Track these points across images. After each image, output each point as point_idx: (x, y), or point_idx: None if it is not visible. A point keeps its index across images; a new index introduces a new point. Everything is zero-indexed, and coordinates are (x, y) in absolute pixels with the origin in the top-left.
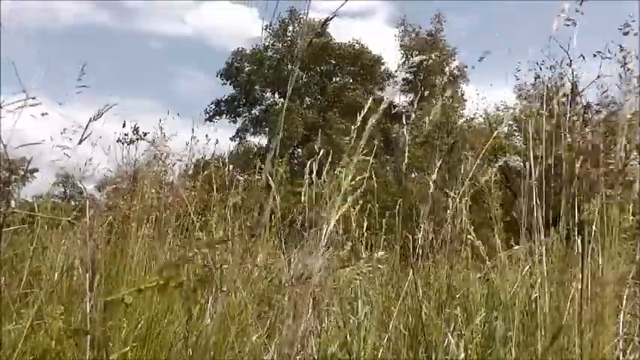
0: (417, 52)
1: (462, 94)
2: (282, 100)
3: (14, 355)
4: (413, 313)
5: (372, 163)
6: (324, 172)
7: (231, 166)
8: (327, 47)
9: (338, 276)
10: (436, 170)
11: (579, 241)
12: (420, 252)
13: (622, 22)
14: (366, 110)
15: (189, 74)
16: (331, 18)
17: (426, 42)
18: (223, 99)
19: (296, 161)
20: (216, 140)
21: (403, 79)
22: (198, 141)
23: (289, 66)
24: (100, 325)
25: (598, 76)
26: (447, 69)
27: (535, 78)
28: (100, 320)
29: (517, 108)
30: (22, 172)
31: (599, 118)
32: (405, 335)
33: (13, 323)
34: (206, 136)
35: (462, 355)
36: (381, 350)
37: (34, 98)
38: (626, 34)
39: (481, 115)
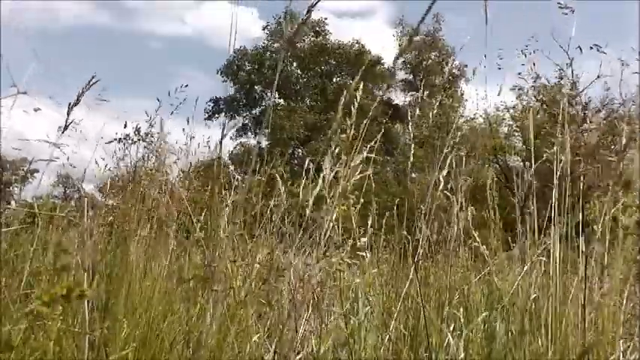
0: (416, 52)
1: (462, 94)
2: (281, 100)
3: (14, 355)
4: (413, 314)
5: (372, 161)
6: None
7: (232, 167)
8: (326, 47)
9: (331, 272)
10: (437, 170)
11: (582, 241)
12: (420, 252)
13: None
14: (357, 103)
15: (189, 74)
16: (315, 4)
17: (425, 42)
18: (222, 98)
19: (296, 161)
20: (219, 141)
21: (403, 80)
22: (194, 139)
23: (279, 60)
24: (100, 325)
25: (598, 76)
26: (446, 69)
27: (535, 79)
28: (100, 321)
29: (517, 107)
30: (23, 173)
31: (599, 118)
32: (406, 335)
33: (12, 325)
34: (204, 136)
35: (462, 355)
36: (382, 349)
37: (25, 93)
38: None
39: (481, 115)
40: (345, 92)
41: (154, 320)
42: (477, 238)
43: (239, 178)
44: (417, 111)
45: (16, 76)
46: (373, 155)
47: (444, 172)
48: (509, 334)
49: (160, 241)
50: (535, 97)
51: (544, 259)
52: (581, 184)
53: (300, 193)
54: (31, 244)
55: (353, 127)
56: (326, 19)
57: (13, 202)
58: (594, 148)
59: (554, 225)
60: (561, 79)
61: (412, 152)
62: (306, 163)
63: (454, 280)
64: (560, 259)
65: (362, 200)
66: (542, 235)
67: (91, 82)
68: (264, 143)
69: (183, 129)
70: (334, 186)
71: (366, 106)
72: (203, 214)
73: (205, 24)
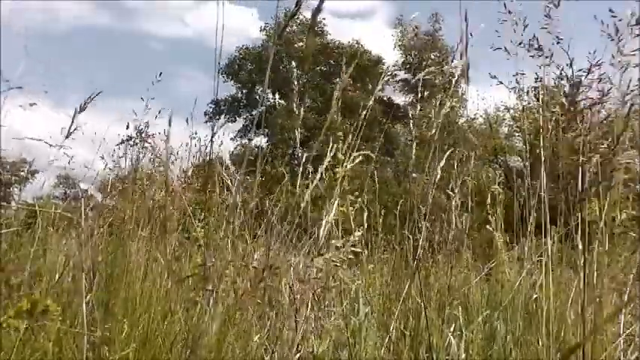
0: (416, 53)
1: (463, 94)
2: (281, 101)
3: (14, 355)
4: (414, 314)
5: (373, 160)
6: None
7: (232, 167)
8: (326, 48)
9: (330, 271)
10: (437, 171)
11: (580, 240)
12: (421, 252)
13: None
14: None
15: (189, 74)
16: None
17: (425, 42)
18: (223, 99)
19: (296, 162)
20: (221, 142)
21: (402, 80)
22: (197, 139)
23: (269, 55)
24: (100, 325)
25: (599, 79)
26: (446, 68)
27: (535, 79)
28: (100, 321)
29: (517, 107)
30: (24, 174)
31: (599, 119)
32: (406, 335)
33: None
34: (206, 136)
35: (463, 356)
36: (382, 349)
37: (20, 87)
38: None
39: (481, 116)
40: (338, 87)
41: (154, 320)
42: (476, 238)
43: (239, 178)
44: (418, 110)
45: (10, 73)
46: (369, 152)
47: (439, 171)
48: (510, 334)
49: (160, 241)
50: (535, 96)
51: (544, 259)
52: (581, 184)
53: (298, 192)
54: (31, 245)
55: (350, 124)
56: (324, 19)
57: (13, 203)
58: (595, 145)
59: (548, 225)
60: (562, 79)
61: (413, 154)
62: (303, 158)
63: (454, 281)
64: (555, 254)
65: (360, 201)
66: (542, 237)
67: (96, 93)
68: (265, 144)
69: (189, 128)
70: (333, 185)
71: (361, 101)
72: (203, 214)
73: (205, 25)
